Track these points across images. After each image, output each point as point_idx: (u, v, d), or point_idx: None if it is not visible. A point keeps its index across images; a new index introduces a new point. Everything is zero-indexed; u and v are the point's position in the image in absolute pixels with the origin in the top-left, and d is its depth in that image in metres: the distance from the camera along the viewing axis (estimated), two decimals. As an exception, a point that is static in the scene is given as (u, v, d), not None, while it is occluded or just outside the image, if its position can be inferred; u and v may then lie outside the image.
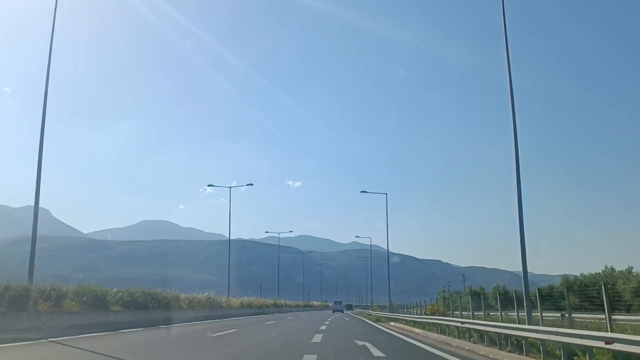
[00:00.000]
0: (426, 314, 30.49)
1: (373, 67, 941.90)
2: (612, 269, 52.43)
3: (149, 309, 25.57)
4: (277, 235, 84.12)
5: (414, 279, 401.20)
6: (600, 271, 51.46)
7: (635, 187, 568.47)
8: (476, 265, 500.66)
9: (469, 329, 17.71)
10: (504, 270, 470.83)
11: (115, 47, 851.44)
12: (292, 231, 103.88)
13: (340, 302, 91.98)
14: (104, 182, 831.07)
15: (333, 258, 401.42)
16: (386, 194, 53.70)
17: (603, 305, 11.58)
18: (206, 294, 39.02)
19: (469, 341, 17.20)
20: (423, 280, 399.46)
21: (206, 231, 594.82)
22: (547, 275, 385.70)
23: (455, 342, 17.89)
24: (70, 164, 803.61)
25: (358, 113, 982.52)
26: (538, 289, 16.77)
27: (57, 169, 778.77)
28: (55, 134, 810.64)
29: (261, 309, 56.58)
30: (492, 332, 15.16)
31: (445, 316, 26.26)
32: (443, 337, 20.12)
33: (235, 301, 48.54)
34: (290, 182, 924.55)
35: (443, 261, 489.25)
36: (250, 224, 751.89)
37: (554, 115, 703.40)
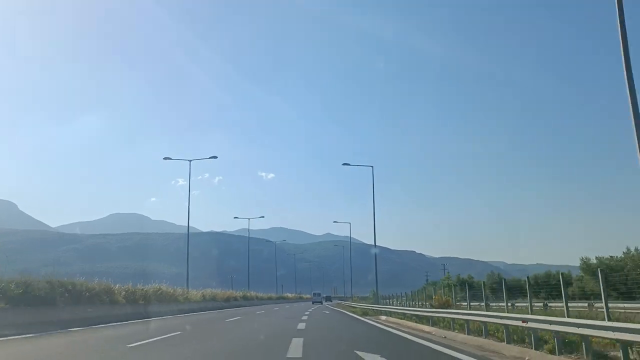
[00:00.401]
0: (433, 307, 26.16)
1: (350, 59, 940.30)
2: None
3: (57, 305, 19.33)
4: (247, 221, 79.12)
5: (388, 269, 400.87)
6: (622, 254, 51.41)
7: (610, 179, 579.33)
8: (449, 255, 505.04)
9: (533, 328, 11.85)
10: (477, 260, 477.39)
11: (87, 38, 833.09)
12: (263, 216, 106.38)
13: (319, 294, 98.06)
14: (73, 175, 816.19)
15: (307, 250, 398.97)
16: (372, 166, 48.35)
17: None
18: (155, 285, 33.58)
19: (543, 350, 11.35)
20: (398, 271, 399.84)
21: (177, 224, 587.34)
22: (521, 264, 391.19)
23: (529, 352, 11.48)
24: (38, 156, 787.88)
25: (333, 105, 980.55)
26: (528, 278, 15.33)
27: (24, 161, 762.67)
28: (23, 125, 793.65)
29: (228, 302, 50.98)
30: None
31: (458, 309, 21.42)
32: (483, 341, 14.10)
33: (195, 294, 42.17)
34: (264, 174, 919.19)
35: (417, 252, 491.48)
36: (223, 217, 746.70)
37: (532, 109, 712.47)
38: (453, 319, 18.40)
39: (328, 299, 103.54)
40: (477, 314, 15.97)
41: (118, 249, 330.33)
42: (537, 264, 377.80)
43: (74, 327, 18.25)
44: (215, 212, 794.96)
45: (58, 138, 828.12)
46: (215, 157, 50.29)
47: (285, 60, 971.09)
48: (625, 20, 11.45)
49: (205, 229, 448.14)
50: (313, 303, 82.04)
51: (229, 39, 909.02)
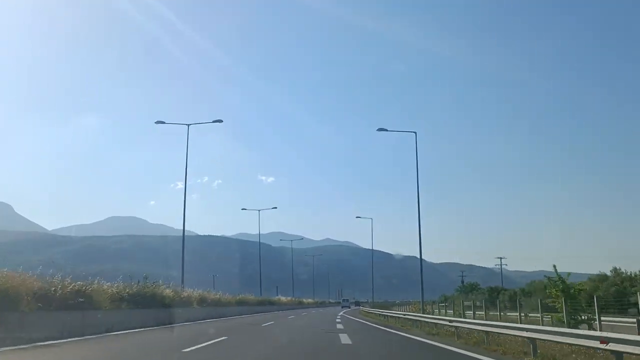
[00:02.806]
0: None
1: (363, 60, 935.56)
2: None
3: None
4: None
5: (389, 275, 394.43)
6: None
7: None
8: (450, 261, 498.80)
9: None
10: (479, 266, 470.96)
11: (85, 38, 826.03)
12: (276, 207, 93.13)
13: (347, 300, 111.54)
14: (71, 177, 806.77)
15: (306, 254, 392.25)
16: (415, 132, 38.68)
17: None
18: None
19: None
20: (399, 277, 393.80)
21: (176, 227, 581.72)
22: (523, 271, 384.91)
23: None
24: (35, 158, 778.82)
25: (334, 110, 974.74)
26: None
27: (21, 163, 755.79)
28: (21, 127, 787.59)
29: (223, 309, 41.98)
30: None
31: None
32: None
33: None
34: (264, 178, 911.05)
35: (418, 257, 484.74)
36: (222, 221, 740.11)
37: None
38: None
39: (357, 303, 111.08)
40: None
41: (113, 251, 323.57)
42: (539, 270, 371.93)
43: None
44: (213, 216, 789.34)
45: (56, 139, 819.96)
46: (220, 121, 44.50)
47: (297, 59, 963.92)
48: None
49: (202, 233, 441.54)
50: (342, 307, 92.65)
51: (228, 35, 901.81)
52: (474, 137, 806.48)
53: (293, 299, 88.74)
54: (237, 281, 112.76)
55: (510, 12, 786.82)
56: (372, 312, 50.77)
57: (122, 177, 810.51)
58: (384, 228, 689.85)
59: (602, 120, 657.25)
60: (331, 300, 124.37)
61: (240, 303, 46.49)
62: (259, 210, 77.34)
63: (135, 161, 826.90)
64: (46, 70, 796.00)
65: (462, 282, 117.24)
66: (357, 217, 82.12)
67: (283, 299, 74.69)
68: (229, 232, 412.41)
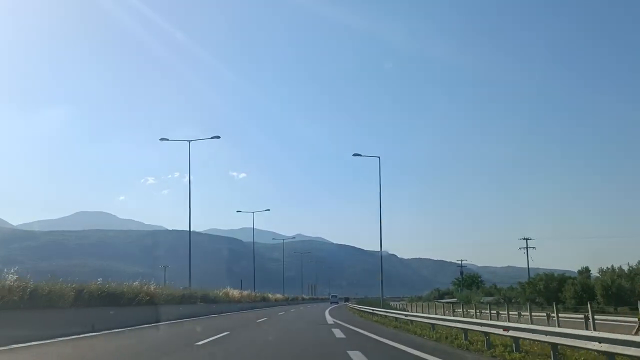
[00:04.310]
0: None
1: (318, 55, 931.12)
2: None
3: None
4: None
5: (361, 271, 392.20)
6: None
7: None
8: (422, 257, 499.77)
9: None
10: (450, 262, 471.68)
11: (51, 26, 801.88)
12: (269, 209, 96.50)
13: (336, 296, 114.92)
14: (38, 171, 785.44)
15: (277, 249, 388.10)
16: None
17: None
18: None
19: None
20: (371, 273, 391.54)
21: (146, 223, 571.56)
22: (492, 267, 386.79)
23: None
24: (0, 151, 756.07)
25: (309, 101, 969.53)
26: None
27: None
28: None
29: (194, 306, 35.24)
30: None
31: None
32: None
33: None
34: (235, 174, 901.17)
35: (390, 252, 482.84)
36: (193, 216, 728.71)
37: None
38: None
39: (346, 299, 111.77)
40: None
41: (77, 247, 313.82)
42: (507, 266, 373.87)
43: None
44: (183, 212, 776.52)
45: (21, 131, 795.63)
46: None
47: (263, 51, 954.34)
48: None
49: (170, 227, 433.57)
50: (331, 303, 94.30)
51: (208, 29, 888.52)
52: (457, 137, 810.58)
53: (254, 293, 67.31)
54: (206, 276, 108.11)
55: (502, 12, 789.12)
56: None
57: (91, 171, 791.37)
58: (355, 223, 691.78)
59: (597, 120, 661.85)
60: (305, 297, 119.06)
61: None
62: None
63: (104, 155, 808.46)
64: (11, 60, 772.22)
65: (461, 273, 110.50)
66: (355, 155, 46.55)
67: (236, 293, 51.24)
68: (200, 227, 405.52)
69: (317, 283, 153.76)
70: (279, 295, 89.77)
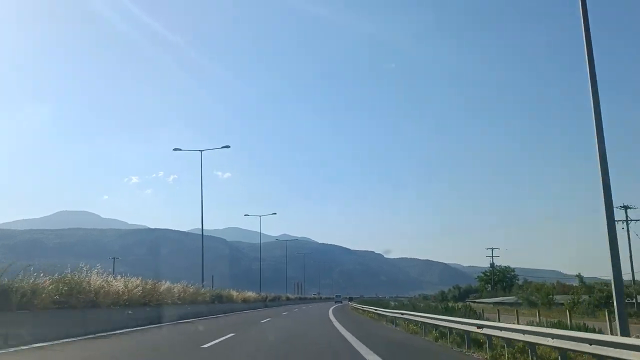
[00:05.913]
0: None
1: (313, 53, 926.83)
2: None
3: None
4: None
5: (347, 270, 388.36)
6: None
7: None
8: (409, 256, 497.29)
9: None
10: (436, 261, 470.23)
11: (32, 21, 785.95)
12: (275, 213, 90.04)
13: (339, 296, 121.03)
14: (20, 169, 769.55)
15: (262, 249, 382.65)
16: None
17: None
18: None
19: None
20: (358, 272, 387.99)
21: (130, 222, 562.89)
22: (479, 267, 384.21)
23: None
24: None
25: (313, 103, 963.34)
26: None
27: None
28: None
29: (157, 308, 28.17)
30: None
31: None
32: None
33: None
34: (220, 173, 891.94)
35: (376, 252, 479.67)
36: (176, 215, 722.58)
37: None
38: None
39: (350, 299, 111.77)
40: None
41: (55, 245, 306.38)
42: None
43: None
44: (167, 212, 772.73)
45: (4, 129, 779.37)
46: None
47: (258, 54, 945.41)
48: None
49: (153, 227, 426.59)
50: (335, 302, 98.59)
51: (202, 31, 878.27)
52: (450, 137, 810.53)
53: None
54: (193, 277, 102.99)
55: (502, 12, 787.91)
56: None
57: (75, 170, 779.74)
58: (341, 222, 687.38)
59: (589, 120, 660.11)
60: (290, 296, 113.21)
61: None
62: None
63: (88, 154, 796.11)
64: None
65: (492, 266, 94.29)
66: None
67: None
68: (185, 227, 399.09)
69: (304, 282, 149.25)
70: (250, 294, 62.57)
